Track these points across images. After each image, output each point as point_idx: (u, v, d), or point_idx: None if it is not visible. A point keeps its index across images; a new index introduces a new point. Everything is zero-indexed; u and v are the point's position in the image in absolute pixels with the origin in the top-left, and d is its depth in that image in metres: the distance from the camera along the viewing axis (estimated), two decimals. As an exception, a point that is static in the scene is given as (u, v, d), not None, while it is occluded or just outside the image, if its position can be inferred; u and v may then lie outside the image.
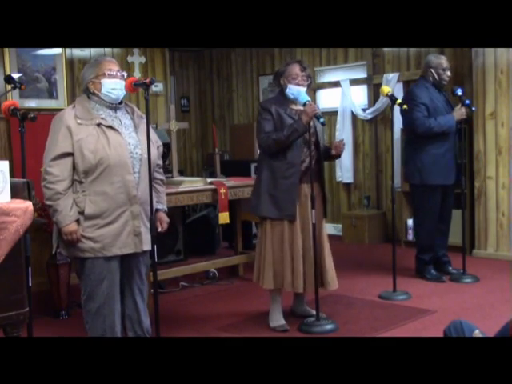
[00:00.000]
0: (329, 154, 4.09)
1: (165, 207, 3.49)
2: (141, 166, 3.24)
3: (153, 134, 3.38)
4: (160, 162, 3.50)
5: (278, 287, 3.99)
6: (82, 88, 3.35)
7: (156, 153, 3.36)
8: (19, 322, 2.80)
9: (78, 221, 3.15)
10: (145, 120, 3.28)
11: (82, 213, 3.15)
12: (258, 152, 4.18)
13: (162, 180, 3.51)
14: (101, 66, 3.25)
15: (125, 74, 3.29)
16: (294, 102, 3.97)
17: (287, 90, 3.96)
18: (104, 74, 3.21)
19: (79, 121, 3.15)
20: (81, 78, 3.35)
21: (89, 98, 3.26)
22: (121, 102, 3.31)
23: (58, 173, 3.12)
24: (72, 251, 3.23)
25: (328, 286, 4.06)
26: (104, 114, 3.22)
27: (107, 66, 3.25)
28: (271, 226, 3.94)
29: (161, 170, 3.51)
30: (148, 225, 3.23)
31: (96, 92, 3.24)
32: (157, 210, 3.37)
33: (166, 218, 3.46)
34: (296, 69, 3.96)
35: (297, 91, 3.92)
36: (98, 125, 3.17)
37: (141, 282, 3.39)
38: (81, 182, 3.16)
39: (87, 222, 3.15)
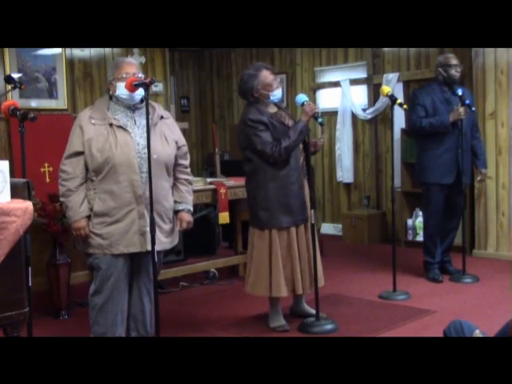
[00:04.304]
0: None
1: (187, 207, 3.47)
2: (152, 166, 3.18)
3: (175, 134, 3.42)
4: (184, 161, 3.48)
5: (291, 294, 3.98)
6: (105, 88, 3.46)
7: (174, 152, 3.37)
8: (19, 322, 2.80)
9: (89, 217, 3.24)
10: (166, 120, 3.38)
11: (92, 210, 3.25)
12: (248, 167, 3.95)
13: (186, 179, 3.49)
14: (119, 68, 3.31)
15: (142, 76, 3.31)
16: (269, 105, 3.95)
17: (271, 98, 3.91)
18: (120, 77, 3.26)
19: (93, 121, 3.24)
20: None
21: (110, 98, 3.34)
22: (142, 101, 3.30)
23: (70, 170, 3.24)
24: (83, 247, 3.33)
25: (319, 283, 4.04)
26: (120, 114, 3.29)
27: (125, 69, 3.30)
28: (278, 234, 3.89)
29: (186, 170, 3.49)
30: (162, 225, 3.30)
31: (114, 94, 3.30)
32: (178, 210, 3.43)
33: (186, 218, 3.45)
34: (268, 77, 3.89)
35: (279, 94, 3.93)
36: (110, 125, 3.23)
37: (149, 283, 3.40)
38: (92, 180, 3.27)
39: (96, 219, 3.25)
